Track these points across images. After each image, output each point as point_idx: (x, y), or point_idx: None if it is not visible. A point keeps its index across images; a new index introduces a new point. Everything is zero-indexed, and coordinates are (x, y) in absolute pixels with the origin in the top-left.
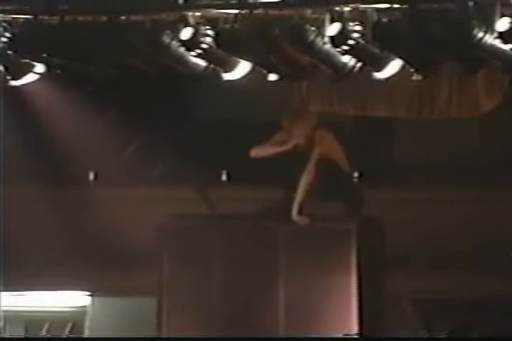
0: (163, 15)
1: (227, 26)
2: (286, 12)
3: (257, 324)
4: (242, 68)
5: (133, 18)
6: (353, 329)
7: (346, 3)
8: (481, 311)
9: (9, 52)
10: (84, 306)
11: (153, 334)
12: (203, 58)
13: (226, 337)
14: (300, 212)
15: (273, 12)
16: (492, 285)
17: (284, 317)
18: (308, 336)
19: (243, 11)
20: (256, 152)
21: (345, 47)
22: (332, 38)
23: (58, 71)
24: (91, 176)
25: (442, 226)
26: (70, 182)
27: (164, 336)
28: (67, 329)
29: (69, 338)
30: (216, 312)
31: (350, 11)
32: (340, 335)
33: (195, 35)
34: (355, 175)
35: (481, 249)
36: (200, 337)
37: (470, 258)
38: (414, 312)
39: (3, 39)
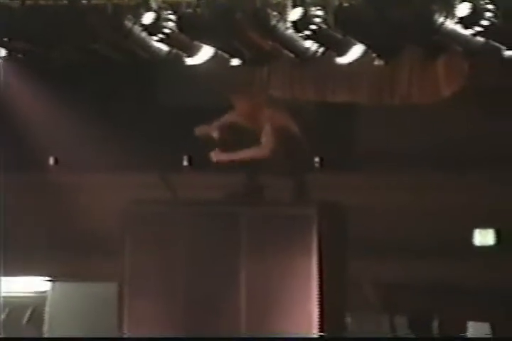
0: (125, 0)
1: (190, 11)
2: None
3: (220, 307)
4: (205, 53)
5: (94, 1)
6: (315, 313)
7: None
8: (442, 295)
9: None
10: (45, 291)
11: (114, 319)
12: (165, 43)
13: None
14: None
15: None
16: (453, 270)
17: (245, 302)
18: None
19: None
20: (200, 130)
21: (308, 32)
22: (294, 23)
23: (20, 55)
24: (51, 161)
25: (403, 211)
26: (30, 167)
27: (126, 322)
28: (27, 314)
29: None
30: (179, 297)
31: None
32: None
33: (157, 19)
34: (316, 160)
35: (442, 234)
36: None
37: (431, 243)
38: (377, 296)
39: None
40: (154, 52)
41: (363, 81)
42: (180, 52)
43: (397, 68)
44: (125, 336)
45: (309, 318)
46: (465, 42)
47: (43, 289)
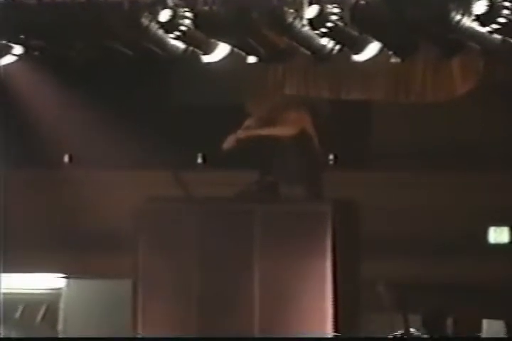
0: None
1: (206, 8)
2: None
3: (233, 306)
4: (221, 50)
5: None
6: (328, 312)
7: None
8: (456, 293)
9: None
10: (59, 288)
11: (127, 317)
12: (181, 40)
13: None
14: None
15: None
16: (468, 268)
17: (259, 299)
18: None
19: None
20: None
21: (324, 30)
22: (310, 21)
23: (36, 53)
24: (66, 158)
25: (417, 209)
26: (45, 165)
27: (139, 320)
28: (42, 311)
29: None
30: (192, 294)
31: None
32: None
33: (173, 17)
34: (331, 157)
35: (457, 232)
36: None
37: (445, 241)
38: (389, 296)
39: None
40: (170, 50)
41: (379, 79)
42: (196, 50)
43: (412, 66)
44: (138, 336)
45: (323, 317)
46: (482, 40)
47: (57, 286)
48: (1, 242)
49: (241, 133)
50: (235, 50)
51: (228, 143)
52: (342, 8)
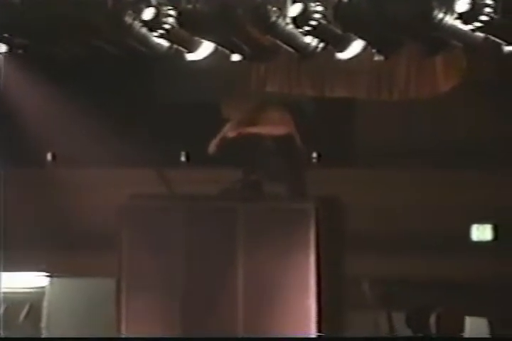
0: None
1: (190, 6)
2: None
3: (217, 304)
4: (205, 49)
5: None
6: (312, 310)
7: None
8: (440, 291)
9: None
10: (43, 287)
11: (111, 315)
12: (165, 38)
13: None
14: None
15: None
16: (451, 266)
17: (243, 297)
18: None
19: None
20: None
21: (307, 28)
22: (294, 19)
23: (20, 51)
24: (49, 156)
25: (401, 206)
26: (28, 163)
27: (123, 319)
28: (25, 310)
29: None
30: (176, 293)
31: None
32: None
33: (157, 15)
34: (314, 155)
35: (440, 229)
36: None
37: (429, 239)
38: (373, 293)
39: None
40: (154, 48)
41: (362, 76)
42: (180, 48)
43: (396, 64)
44: (122, 336)
45: (307, 315)
46: (464, 38)
47: (40, 285)
48: None
49: (225, 132)
50: (219, 48)
51: (214, 144)
52: (325, 7)
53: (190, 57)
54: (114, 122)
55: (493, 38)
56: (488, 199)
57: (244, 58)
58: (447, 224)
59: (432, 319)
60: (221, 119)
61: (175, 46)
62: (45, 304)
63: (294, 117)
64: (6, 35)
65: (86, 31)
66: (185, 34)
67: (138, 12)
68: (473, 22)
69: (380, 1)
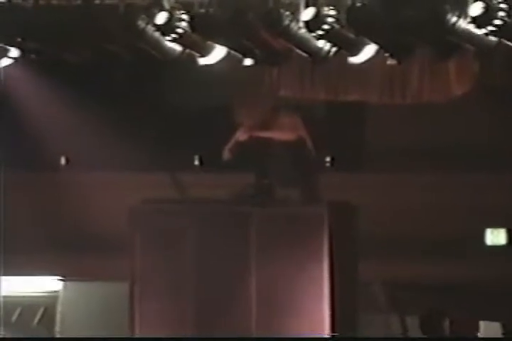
0: (138, 0)
1: (203, 11)
2: None
3: (230, 307)
4: (217, 53)
5: (107, 2)
6: (325, 313)
7: None
8: (453, 295)
9: None
10: (56, 291)
11: (124, 318)
12: (178, 43)
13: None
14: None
15: None
16: (465, 270)
17: (256, 302)
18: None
19: None
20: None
21: (320, 32)
22: (307, 23)
23: (33, 55)
24: (62, 161)
25: (414, 211)
26: (41, 167)
27: (137, 322)
28: (39, 314)
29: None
30: (189, 296)
31: None
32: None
33: (170, 19)
34: (327, 159)
35: (454, 233)
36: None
37: (442, 243)
38: (386, 297)
39: None
40: (167, 52)
41: (375, 81)
42: (192, 52)
43: (409, 68)
44: (136, 336)
45: (321, 318)
46: (477, 42)
47: (54, 289)
48: None
49: (238, 137)
50: (232, 52)
51: (228, 149)
52: (338, 11)
53: (202, 61)
54: (127, 126)
55: (506, 41)
56: (503, 203)
57: (256, 62)
58: (461, 228)
59: (446, 322)
60: (234, 124)
61: (188, 50)
62: (59, 308)
63: (307, 121)
64: (18, 39)
65: (98, 36)
66: (198, 38)
67: (151, 16)
68: (486, 26)
69: (392, 5)
